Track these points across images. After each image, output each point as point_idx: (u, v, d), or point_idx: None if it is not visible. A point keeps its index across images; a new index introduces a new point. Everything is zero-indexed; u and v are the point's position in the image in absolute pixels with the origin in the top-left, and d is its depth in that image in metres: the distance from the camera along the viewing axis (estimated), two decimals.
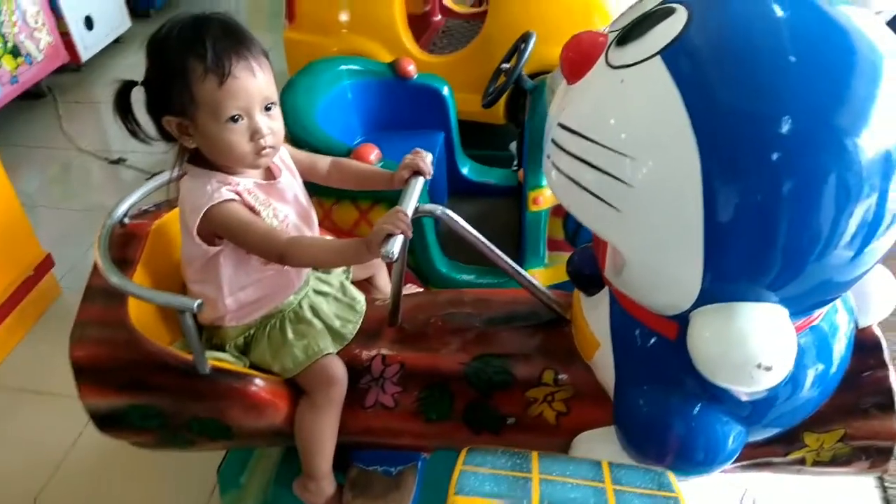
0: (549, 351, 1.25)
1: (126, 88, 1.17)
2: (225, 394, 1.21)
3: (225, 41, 1.10)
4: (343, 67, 2.40)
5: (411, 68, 2.41)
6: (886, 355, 1.11)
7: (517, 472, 0.91)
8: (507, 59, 2.18)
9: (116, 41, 4.19)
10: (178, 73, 1.10)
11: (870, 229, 0.82)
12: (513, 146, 2.97)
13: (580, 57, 0.91)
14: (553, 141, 0.93)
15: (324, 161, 1.37)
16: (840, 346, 1.07)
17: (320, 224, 1.37)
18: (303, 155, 1.36)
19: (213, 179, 1.16)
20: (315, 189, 1.37)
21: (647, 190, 0.82)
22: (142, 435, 1.28)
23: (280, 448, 1.50)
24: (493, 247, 1.24)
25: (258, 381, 1.23)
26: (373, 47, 2.88)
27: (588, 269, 1.16)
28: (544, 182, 1.95)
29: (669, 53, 0.81)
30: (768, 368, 0.84)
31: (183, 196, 1.19)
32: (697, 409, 1.05)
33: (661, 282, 0.92)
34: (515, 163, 2.70)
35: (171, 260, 1.36)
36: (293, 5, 2.95)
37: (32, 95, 3.63)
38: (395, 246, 1.04)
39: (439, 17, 3.45)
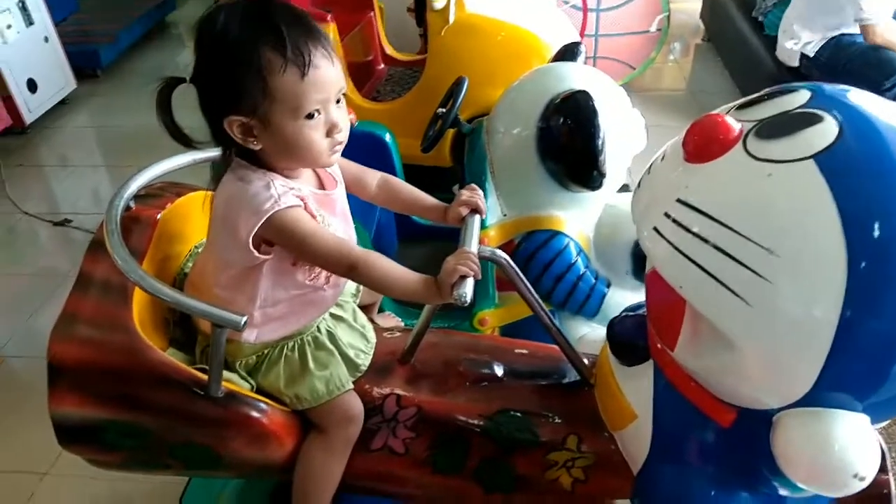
0: (574, 415, 1.22)
1: (170, 85, 1.03)
2: (233, 422, 1.08)
3: (299, 28, 1.00)
4: None
5: (352, 116, 2.35)
6: (888, 457, 1.19)
7: None
8: (443, 104, 2.20)
9: (62, 102, 4.12)
10: (248, 66, 0.97)
11: None
12: (456, 188, 2.96)
13: (712, 140, 0.90)
14: (667, 215, 0.92)
15: (373, 176, 1.28)
16: None
17: None
18: (352, 166, 1.25)
19: (275, 181, 1.04)
20: None
21: (785, 290, 0.82)
22: (109, 455, 1.11)
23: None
24: (538, 299, 1.21)
25: (272, 412, 1.10)
26: None
27: (633, 339, 1.15)
28: (487, 223, 1.93)
29: (824, 159, 0.82)
30: (863, 479, 0.87)
31: (233, 196, 1.05)
32: (733, 499, 1.07)
33: (767, 379, 0.92)
34: None
35: (173, 252, 1.22)
36: None
37: None
38: (469, 289, 1.00)
39: (382, 65, 3.45)
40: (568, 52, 2.11)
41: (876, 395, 0.90)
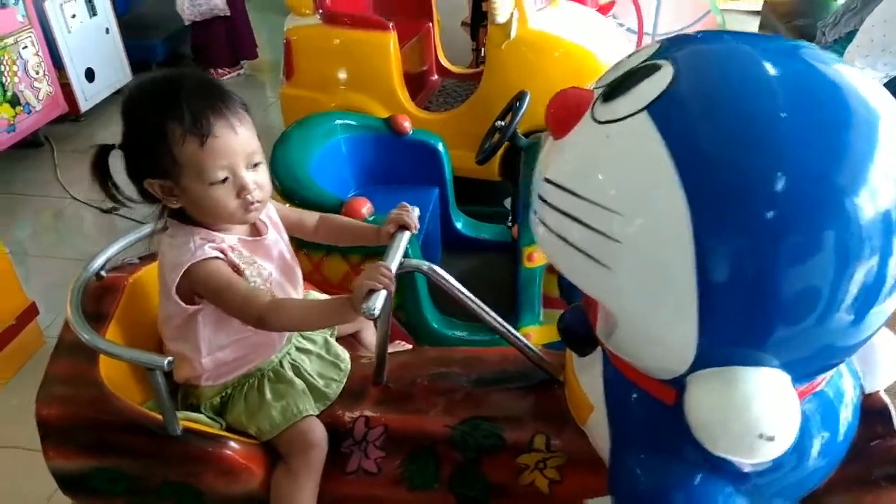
0: (540, 414, 1.20)
1: (103, 152, 1.15)
2: (197, 457, 1.14)
3: (201, 99, 1.08)
4: (338, 122, 2.42)
5: (407, 124, 2.43)
6: None
7: None
8: (501, 117, 2.19)
9: (116, 93, 4.21)
10: (157, 136, 1.07)
11: (871, 292, 0.78)
12: (507, 202, 2.96)
13: (565, 112, 0.89)
14: (539, 196, 0.90)
15: (311, 217, 1.34)
16: (847, 413, 1.02)
17: (308, 278, 1.33)
18: (290, 211, 1.33)
19: (196, 236, 1.12)
20: (304, 242, 1.33)
21: (637, 247, 0.78)
22: (108, 500, 1.21)
23: None
24: (481, 304, 1.20)
25: (232, 444, 1.16)
26: (370, 104, 2.91)
27: (580, 329, 1.10)
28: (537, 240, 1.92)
29: (656, 108, 0.78)
30: (771, 438, 0.78)
31: (163, 252, 1.15)
32: (698, 479, 0.98)
33: (655, 344, 0.87)
34: (510, 219, 2.69)
35: (148, 315, 1.31)
36: (291, 62, 2.99)
37: (30, 144, 3.65)
38: (378, 302, 1.00)
39: (436, 76, 3.51)
40: None
41: (788, 349, 0.82)
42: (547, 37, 2.81)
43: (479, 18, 3.48)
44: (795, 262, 0.74)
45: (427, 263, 1.18)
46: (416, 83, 3.19)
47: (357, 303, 1.01)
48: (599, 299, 0.90)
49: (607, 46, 2.89)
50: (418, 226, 1.20)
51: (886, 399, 1.08)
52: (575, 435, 1.16)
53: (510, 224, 2.57)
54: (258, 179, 1.13)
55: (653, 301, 0.81)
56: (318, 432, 1.20)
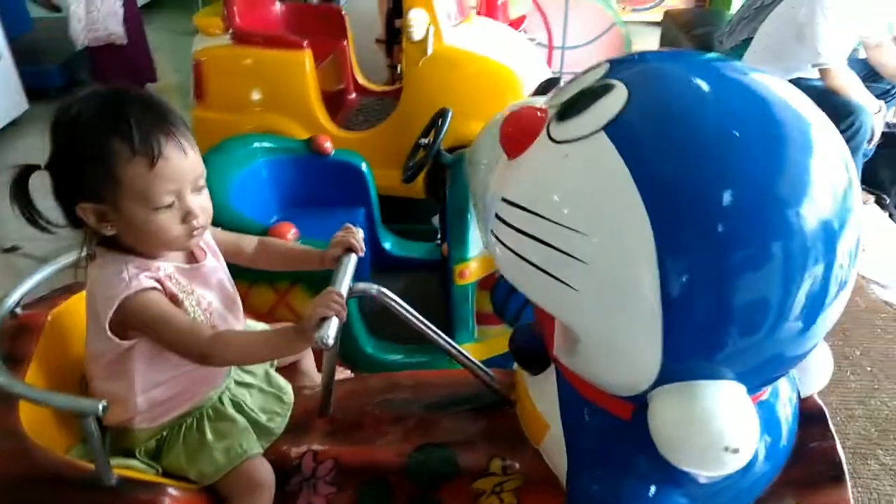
0: (494, 436, 1.18)
1: (25, 173, 1.04)
2: None
3: (150, 118, 1.01)
4: (256, 144, 2.35)
5: (328, 145, 2.39)
6: (831, 425, 1.11)
7: None
8: (424, 135, 2.20)
9: (12, 123, 3.99)
10: (97, 156, 0.98)
11: (818, 299, 0.82)
12: (435, 220, 2.95)
13: (520, 133, 0.89)
14: (497, 215, 0.89)
15: (250, 242, 1.27)
16: (787, 418, 1.06)
17: None
18: (227, 235, 1.25)
19: (129, 265, 1.04)
20: (230, 270, 1.27)
21: (602, 266, 0.79)
22: None
23: None
24: (430, 325, 1.18)
25: (172, 492, 1.08)
26: (288, 124, 2.86)
27: (532, 348, 1.11)
28: (470, 255, 1.93)
29: (614, 128, 0.80)
30: (735, 451, 0.80)
31: (92, 284, 1.06)
32: (653, 491, 1.00)
33: (619, 361, 0.88)
34: (439, 237, 2.68)
35: (70, 353, 1.22)
36: (202, 84, 2.89)
37: None
38: (332, 330, 0.96)
39: (354, 94, 3.48)
40: (548, 87, 2.15)
41: (742, 361, 0.84)
42: (463, 52, 2.85)
43: (394, 35, 3.48)
44: (749, 274, 0.77)
45: (375, 286, 1.14)
46: (334, 102, 3.16)
47: (309, 332, 0.97)
48: (562, 318, 0.90)
49: (521, 60, 2.96)
50: (364, 248, 1.16)
51: (821, 402, 1.13)
52: (530, 456, 1.15)
53: (439, 242, 2.56)
54: (203, 204, 1.07)
55: (618, 319, 0.82)
56: (265, 472, 1.13)
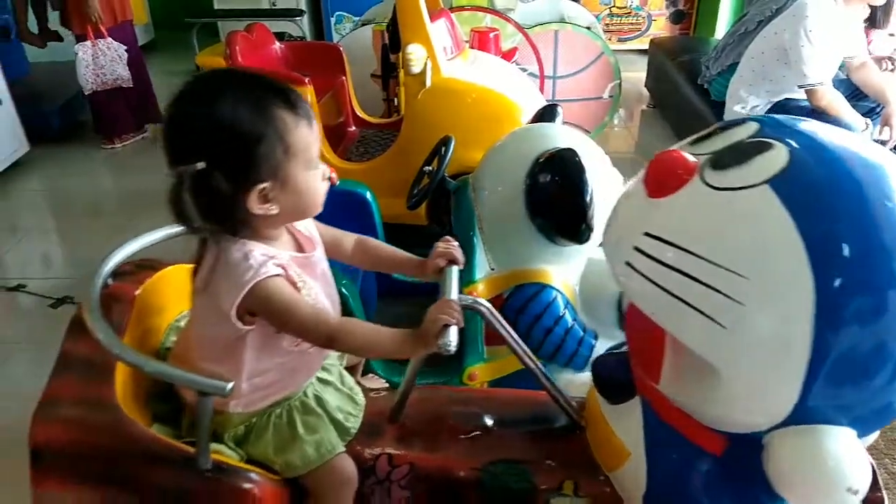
0: (567, 459, 1.22)
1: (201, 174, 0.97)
2: (223, 494, 1.05)
3: (277, 84, 1.03)
4: None
5: (333, 175, 2.39)
6: (880, 479, 1.17)
7: None
8: (428, 163, 2.26)
9: (14, 165, 4.02)
10: (267, 128, 0.98)
11: None
12: None
13: (667, 175, 0.94)
14: (637, 248, 0.94)
15: (349, 238, 1.28)
16: None
17: None
18: (328, 230, 1.25)
19: (254, 251, 1.03)
20: None
21: (759, 310, 0.84)
22: None
23: None
24: (523, 345, 1.22)
25: (262, 482, 1.08)
26: None
27: (620, 377, 1.16)
28: (476, 277, 1.95)
29: (778, 183, 0.86)
30: (856, 492, 0.87)
31: (214, 269, 1.04)
32: None
33: (752, 401, 0.93)
34: None
35: (151, 329, 1.21)
36: None
37: None
38: (453, 336, 1.00)
39: (354, 127, 3.54)
40: (546, 114, 2.20)
41: (860, 407, 0.91)
42: (460, 83, 2.93)
43: (389, 70, 3.56)
44: (893, 335, 0.84)
45: (483, 300, 1.18)
46: (334, 135, 3.22)
47: (431, 338, 1.00)
48: (700, 352, 0.93)
49: (517, 89, 3.06)
50: (464, 259, 1.20)
51: (869, 458, 1.23)
52: (600, 481, 1.19)
53: None
54: None
55: (764, 362, 0.87)
56: (351, 469, 1.14)
